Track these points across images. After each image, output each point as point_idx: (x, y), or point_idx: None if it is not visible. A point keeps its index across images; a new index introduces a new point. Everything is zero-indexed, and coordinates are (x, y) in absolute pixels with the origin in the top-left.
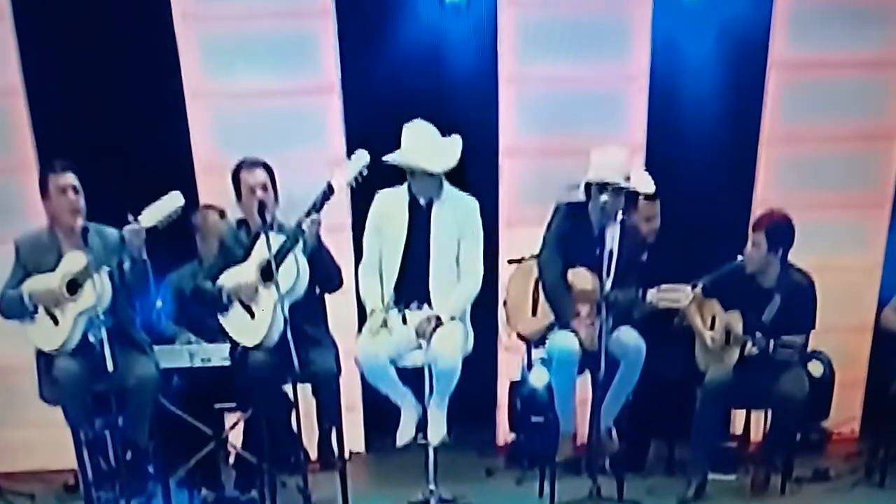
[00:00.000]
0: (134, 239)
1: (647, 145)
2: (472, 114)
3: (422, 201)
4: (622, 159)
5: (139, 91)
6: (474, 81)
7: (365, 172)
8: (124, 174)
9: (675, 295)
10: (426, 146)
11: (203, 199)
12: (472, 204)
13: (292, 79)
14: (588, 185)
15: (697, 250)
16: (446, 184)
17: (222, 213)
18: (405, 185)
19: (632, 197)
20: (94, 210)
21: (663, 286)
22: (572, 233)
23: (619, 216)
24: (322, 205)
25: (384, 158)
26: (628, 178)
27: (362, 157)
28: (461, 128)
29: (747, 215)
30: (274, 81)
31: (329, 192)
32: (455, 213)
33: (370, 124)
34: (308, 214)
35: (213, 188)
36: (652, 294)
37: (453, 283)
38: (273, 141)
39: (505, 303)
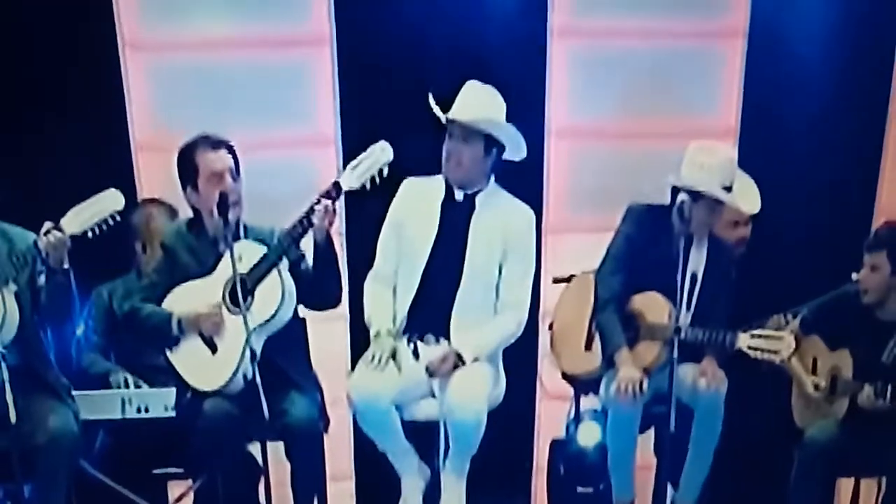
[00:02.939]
0: (53, 251)
1: (740, 128)
2: (510, 80)
3: (458, 194)
4: (726, 164)
5: (57, 44)
6: (515, 36)
7: (385, 172)
8: (37, 155)
9: (774, 344)
10: (474, 99)
11: (143, 188)
12: (524, 214)
13: (267, 26)
14: (675, 190)
15: (798, 270)
16: (493, 183)
17: (171, 211)
18: (441, 175)
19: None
20: None
21: (758, 331)
22: (646, 245)
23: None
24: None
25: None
26: (729, 189)
27: (382, 151)
28: None
29: (866, 226)
30: (240, 30)
31: (334, 193)
32: (501, 221)
33: (372, 90)
34: (300, 226)
35: (157, 174)
36: (743, 340)
37: (484, 315)
38: (238, 112)
39: (551, 326)
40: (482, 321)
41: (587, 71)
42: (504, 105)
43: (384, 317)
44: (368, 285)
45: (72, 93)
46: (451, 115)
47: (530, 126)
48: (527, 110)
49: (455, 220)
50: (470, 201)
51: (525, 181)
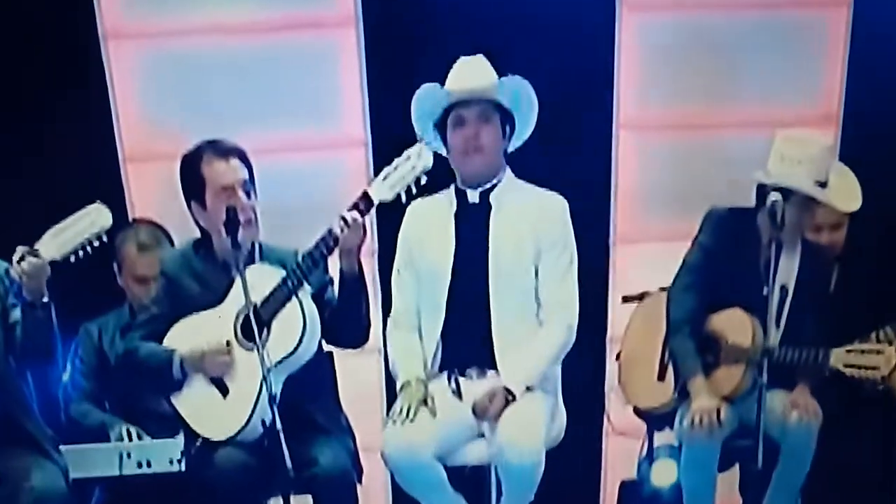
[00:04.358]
0: (29, 280)
1: (843, 115)
2: (571, 63)
3: (472, 195)
4: (820, 155)
5: (24, 33)
6: (576, 10)
7: (424, 180)
8: (11, 167)
9: (871, 360)
10: (477, 69)
11: (134, 205)
12: (554, 202)
13: (281, 6)
14: (762, 189)
15: None
16: (509, 174)
17: (165, 234)
18: (450, 188)
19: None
20: None
21: (855, 346)
22: (728, 255)
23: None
24: (351, 224)
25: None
26: (824, 185)
27: (419, 155)
28: (552, 85)
29: None
30: (248, 11)
31: (363, 207)
32: (527, 216)
33: (408, 81)
34: (322, 245)
35: (148, 188)
36: (837, 357)
37: (529, 329)
38: (248, 110)
39: (618, 356)
40: (528, 338)
41: (662, 50)
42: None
43: (412, 365)
44: (390, 333)
45: (43, 93)
46: (466, 91)
47: (596, 117)
48: (591, 99)
49: (472, 226)
50: (486, 201)
51: (590, 182)
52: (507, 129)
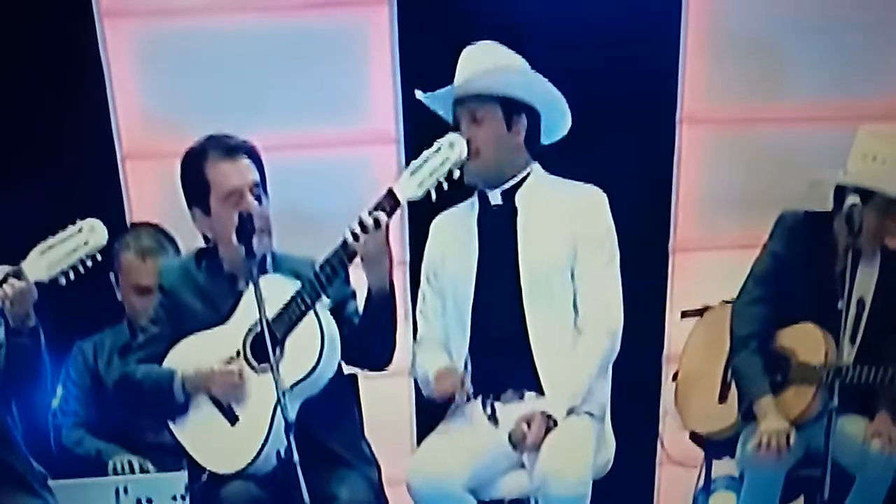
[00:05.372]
0: (13, 306)
1: None
2: (629, 50)
3: (494, 197)
4: None
5: (19, 15)
6: None
7: (457, 174)
8: None
9: None
10: (470, 62)
11: (133, 208)
12: (588, 195)
13: None
14: (841, 190)
15: None
16: (538, 169)
17: (168, 238)
18: (474, 194)
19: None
20: None
21: None
22: (800, 264)
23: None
24: (370, 227)
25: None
26: None
27: (451, 146)
28: (610, 76)
29: None
30: None
31: (388, 207)
32: (559, 213)
33: (447, 68)
34: (342, 252)
35: (149, 188)
36: None
37: (571, 342)
38: (263, 100)
39: (675, 376)
40: (570, 351)
41: (729, 34)
42: (519, 57)
43: (439, 362)
44: (417, 353)
45: (29, 81)
46: (461, 87)
47: (657, 110)
48: (652, 90)
49: (497, 231)
50: (510, 202)
51: (648, 182)
52: (525, 117)
